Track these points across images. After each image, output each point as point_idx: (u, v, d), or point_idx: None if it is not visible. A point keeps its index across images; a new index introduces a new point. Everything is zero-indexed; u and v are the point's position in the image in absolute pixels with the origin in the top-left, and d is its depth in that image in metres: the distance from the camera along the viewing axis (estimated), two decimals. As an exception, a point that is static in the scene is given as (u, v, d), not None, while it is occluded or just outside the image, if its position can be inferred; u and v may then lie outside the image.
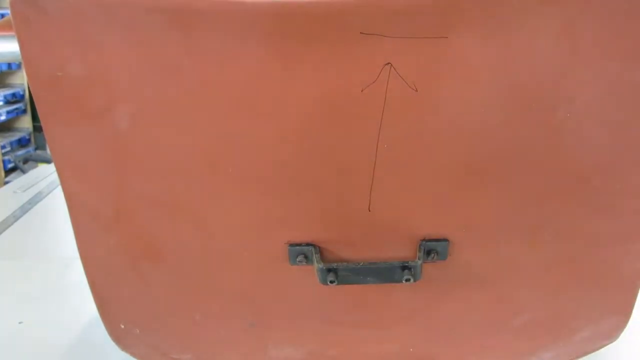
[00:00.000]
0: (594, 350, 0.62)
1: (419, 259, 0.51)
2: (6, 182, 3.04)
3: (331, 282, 0.52)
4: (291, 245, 0.52)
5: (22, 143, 3.48)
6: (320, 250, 0.52)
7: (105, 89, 0.45)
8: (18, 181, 1.45)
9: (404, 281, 0.52)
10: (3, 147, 3.28)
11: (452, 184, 0.48)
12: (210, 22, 0.41)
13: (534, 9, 0.40)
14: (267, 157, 0.47)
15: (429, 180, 0.48)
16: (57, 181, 0.60)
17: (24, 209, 1.20)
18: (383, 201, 0.49)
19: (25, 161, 2.99)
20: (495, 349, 0.61)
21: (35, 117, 3.52)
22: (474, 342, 0.60)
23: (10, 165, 3.27)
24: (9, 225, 1.12)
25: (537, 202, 0.50)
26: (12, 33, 0.43)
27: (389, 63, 0.42)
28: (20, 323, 0.78)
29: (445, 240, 0.51)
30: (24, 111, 3.51)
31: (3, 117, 3.30)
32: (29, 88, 0.68)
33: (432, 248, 0.51)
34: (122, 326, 0.60)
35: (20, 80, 3.46)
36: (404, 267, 0.52)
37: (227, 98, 0.44)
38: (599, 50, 0.42)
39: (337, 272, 0.52)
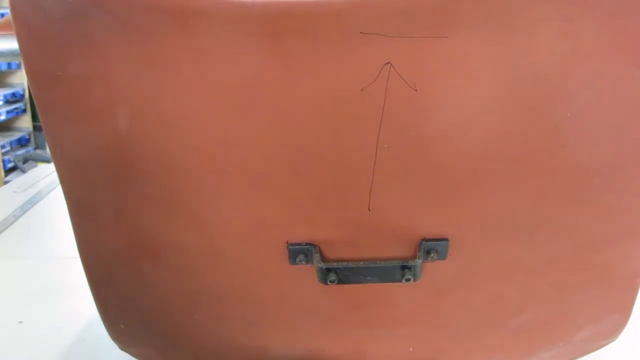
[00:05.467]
0: (593, 350, 0.62)
1: (418, 258, 0.51)
2: (6, 182, 3.04)
3: (331, 281, 0.52)
4: (291, 244, 0.52)
5: (22, 143, 3.48)
6: (320, 250, 0.52)
7: (105, 88, 0.45)
8: (18, 181, 1.45)
9: (404, 281, 0.52)
10: (3, 146, 3.28)
11: (452, 183, 0.48)
12: (210, 22, 0.41)
13: (534, 9, 0.40)
14: (266, 157, 0.47)
15: (428, 179, 0.48)
16: (57, 181, 0.60)
17: (24, 208, 1.20)
18: (383, 201, 0.49)
19: (25, 161, 2.98)
20: (495, 348, 0.61)
21: (35, 117, 3.52)
22: (473, 342, 0.60)
23: (10, 165, 3.26)
24: (9, 225, 1.12)
25: (537, 202, 0.50)
26: (12, 33, 0.43)
27: (389, 63, 0.42)
28: (20, 323, 0.78)
29: (445, 239, 0.51)
30: (24, 111, 3.51)
31: (3, 117, 3.30)
32: (29, 88, 0.68)
33: (432, 247, 0.51)
34: (122, 326, 0.60)
35: (20, 80, 3.46)
36: (404, 267, 0.52)
37: (226, 98, 0.44)
38: (599, 49, 0.42)
39: (337, 272, 0.52)
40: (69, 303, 0.83)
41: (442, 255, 0.52)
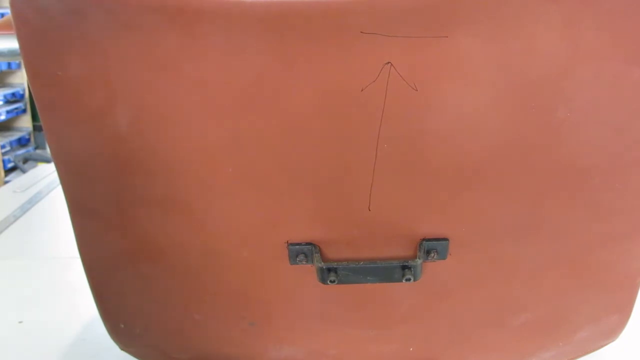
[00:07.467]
0: (593, 350, 0.62)
1: (419, 258, 0.51)
2: (6, 182, 3.04)
3: (331, 281, 0.52)
4: (291, 244, 0.52)
5: (22, 142, 3.48)
6: (320, 250, 0.52)
7: (105, 88, 0.45)
8: (18, 181, 1.45)
9: (404, 280, 0.52)
10: (3, 146, 3.28)
11: (452, 183, 0.48)
12: (210, 22, 0.41)
13: (534, 9, 0.40)
14: (266, 156, 0.47)
15: (429, 179, 0.48)
16: (57, 181, 0.60)
17: (24, 208, 1.20)
18: (383, 201, 0.49)
19: (25, 161, 2.98)
20: (495, 348, 0.61)
21: (35, 117, 3.52)
22: (473, 342, 0.60)
23: (10, 165, 3.27)
24: (9, 225, 1.12)
25: (537, 202, 0.50)
26: (12, 33, 0.43)
27: (389, 62, 0.42)
28: (20, 323, 0.78)
29: (446, 239, 0.51)
30: (24, 111, 3.51)
31: (3, 117, 3.30)
32: (29, 87, 0.68)
33: (432, 247, 0.51)
34: (122, 326, 0.60)
35: (20, 80, 3.47)
36: (404, 267, 0.52)
37: (227, 98, 0.44)
38: (599, 50, 0.42)
39: (338, 272, 0.52)
40: (69, 303, 0.83)
41: (443, 255, 0.52)
